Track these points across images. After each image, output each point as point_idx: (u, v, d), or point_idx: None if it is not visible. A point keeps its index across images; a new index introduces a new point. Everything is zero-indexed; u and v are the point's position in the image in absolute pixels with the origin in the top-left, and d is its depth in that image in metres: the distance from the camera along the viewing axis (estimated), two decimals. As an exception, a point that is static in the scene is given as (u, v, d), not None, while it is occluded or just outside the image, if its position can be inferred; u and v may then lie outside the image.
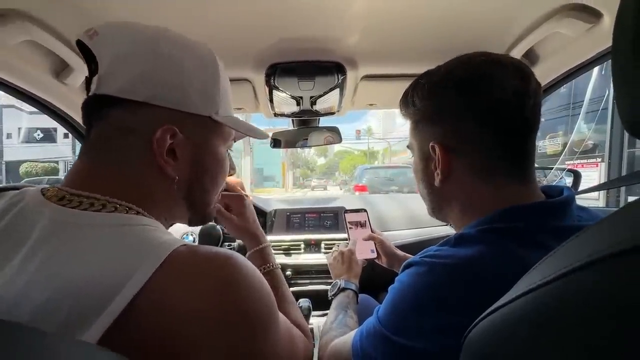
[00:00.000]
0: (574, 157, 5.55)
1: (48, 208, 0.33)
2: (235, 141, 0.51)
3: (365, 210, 0.98)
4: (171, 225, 0.46)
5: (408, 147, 0.57)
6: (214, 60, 0.43)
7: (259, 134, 0.53)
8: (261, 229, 0.69)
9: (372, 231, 0.94)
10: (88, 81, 0.38)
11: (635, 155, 4.90)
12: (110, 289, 0.27)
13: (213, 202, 0.49)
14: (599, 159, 5.41)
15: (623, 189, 4.28)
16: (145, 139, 0.37)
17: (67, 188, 0.35)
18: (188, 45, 0.41)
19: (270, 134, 1.29)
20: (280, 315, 0.41)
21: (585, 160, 5.58)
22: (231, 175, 0.55)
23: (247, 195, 0.68)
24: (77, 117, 0.95)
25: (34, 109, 0.89)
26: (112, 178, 0.37)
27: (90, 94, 0.37)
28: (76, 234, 0.31)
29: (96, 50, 0.37)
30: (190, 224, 0.49)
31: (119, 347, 0.25)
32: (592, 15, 0.61)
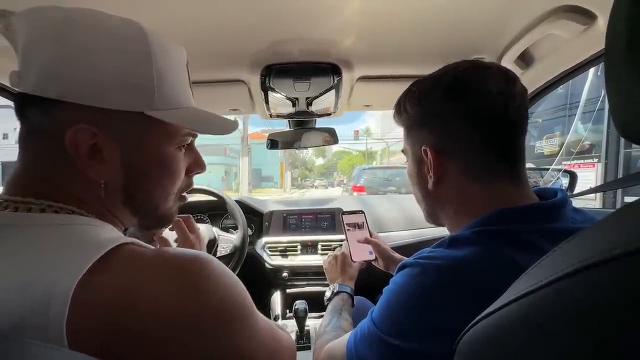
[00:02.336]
0: (570, 157, 5.58)
1: None
2: (194, 136, 0.44)
3: (363, 212, 0.98)
4: (126, 228, 0.43)
5: (403, 151, 0.58)
6: (143, 44, 0.35)
7: (217, 129, 0.42)
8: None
9: (369, 233, 0.94)
10: None
11: (632, 156, 4.93)
12: (47, 288, 0.26)
13: (166, 205, 0.43)
14: (595, 160, 5.44)
15: (619, 189, 4.30)
16: (61, 141, 0.33)
17: (3, 195, 0.33)
18: (106, 28, 0.34)
19: (268, 135, 1.29)
20: (261, 315, 0.40)
21: (582, 161, 5.61)
22: (199, 173, 0.48)
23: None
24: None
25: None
26: (44, 182, 0.34)
27: (14, 87, 0.35)
28: (8, 235, 0.30)
29: (13, 43, 0.34)
30: (143, 228, 0.44)
31: (84, 348, 0.25)
32: (587, 16, 0.61)
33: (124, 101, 0.35)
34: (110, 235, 0.32)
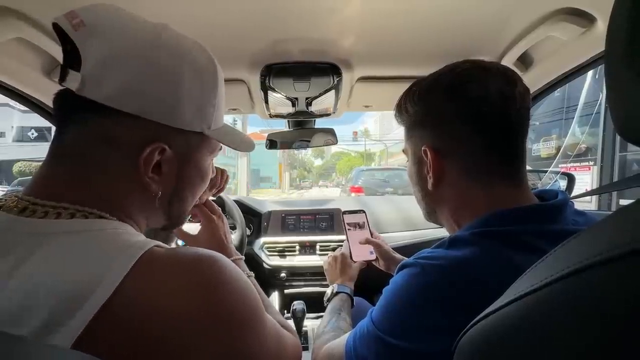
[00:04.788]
0: (567, 160, 5.59)
1: (5, 220, 0.31)
2: (221, 149, 0.49)
3: (363, 212, 0.97)
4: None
5: (404, 151, 0.58)
6: (214, 75, 0.40)
7: (246, 147, 0.49)
8: (232, 245, 0.66)
9: (370, 232, 0.94)
10: (64, 69, 0.33)
11: (627, 159, 4.97)
12: (81, 292, 0.26)
13: (189, 209, 0.47)
14: (591, 162, 5.46)
15: (615, 192, 4.33)
16: (131, 154, 0.35)
17: (29, 197, 0.32)
18: (188, 54, 0.37)
19: (267, 135, 1.28)
20: (268, 317, 0.40)
21: (577, 164, 5.63)
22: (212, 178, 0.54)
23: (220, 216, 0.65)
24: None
25: (27, 108, 0.88)
26: (86, 189, 0.34)
27: (74, 91, 0.33)
28: (41, 242, 0.29)
29: (81, 45, 0.32)
30: (164, 229, 0.47)
31: (98, 350, 0.25)
32: (586, 19, 0.61)
33: (192, 122, 0.38)
34: (137, 239, 0.32)
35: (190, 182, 0.43)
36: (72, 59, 0.33)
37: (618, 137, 4.77)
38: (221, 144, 0.46)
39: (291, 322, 1.01)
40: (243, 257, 0.67)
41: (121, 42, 0.34)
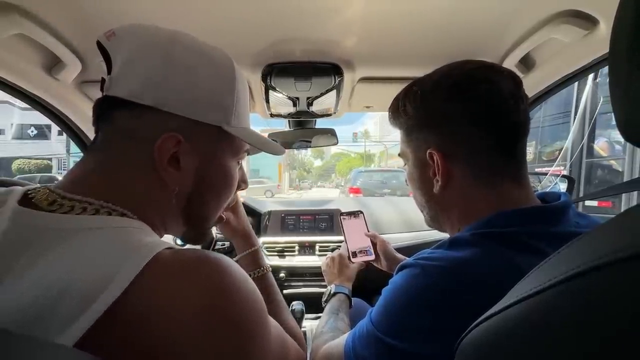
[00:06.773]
0: (543, 165, 5.78)
1: (27, 215, 0.31)
2: (248, 154, 0.49)
3: (361, 212, 0.97)
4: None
5: (400, 155, 0.56)
6: (231, 70, 0.41)
7: (274, 149, 0.49)
8: (252, 230, 0.67)
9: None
10: (104, 81, 0.37)
11: (593, 164, 5.28)
12: (90, 292, 0.26)
13: (212, 219, 0.46)
14: (562, 167, 5.63)
15: (582, 194, 4.49)
16: (148, 145, 0.36)
17: (60, 191, 0.33)
18: (204, 51, 0.39)
19: (267, 135, 1.28)
20: (272, 321, 0.40)
21: (551, 168, 5.78)
22: (242, 189, 0.53)
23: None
24: (69, 113, 0.93)
25: (27, 105, 0.87)
26: (110, 184, 0.35)
27: (103, 92, 0.37)
28: (60, 238, 0.29)
29: (112, 51, 0.37)
30: (183, 240, 0.46)
31: (99, 351, 0.24)
32: (589, 21, 0.61)
33: (211, 116, 0.39)
34: (150, 240, 0.32)
35: (211, 184, 0.43)
36: (109, 67, 0.37)
37: (585, 144, 5.04)
38: (247, 149, 0.46)
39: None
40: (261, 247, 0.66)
41: (141, 43, 0.37)
